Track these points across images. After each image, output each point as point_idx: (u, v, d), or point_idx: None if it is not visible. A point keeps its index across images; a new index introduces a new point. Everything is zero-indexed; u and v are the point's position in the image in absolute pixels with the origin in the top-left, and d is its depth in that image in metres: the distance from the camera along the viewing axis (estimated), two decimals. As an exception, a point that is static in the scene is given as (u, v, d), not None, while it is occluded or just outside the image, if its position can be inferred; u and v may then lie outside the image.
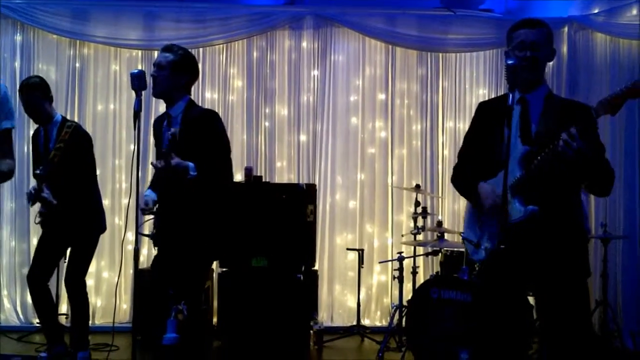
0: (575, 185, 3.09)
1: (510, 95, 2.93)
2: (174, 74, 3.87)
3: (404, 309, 5.53)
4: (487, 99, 6.56)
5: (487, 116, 3.28)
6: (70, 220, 4.74)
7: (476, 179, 3.19)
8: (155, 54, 5.38)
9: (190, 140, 3.77)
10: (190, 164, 3.68)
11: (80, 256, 4.87)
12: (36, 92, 4.82)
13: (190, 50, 4.13)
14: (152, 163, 3.77)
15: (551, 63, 6.09)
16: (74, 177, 4.75)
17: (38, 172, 4.71)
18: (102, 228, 5.06)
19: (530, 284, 3.19)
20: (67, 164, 4.70)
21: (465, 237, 3.35)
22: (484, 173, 3.16)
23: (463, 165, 3.40)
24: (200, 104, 6.00)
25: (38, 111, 4.86)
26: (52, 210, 4.63)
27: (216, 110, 6.06)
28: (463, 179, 3.38)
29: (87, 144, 4.97)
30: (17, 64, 6.52)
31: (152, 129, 4.20)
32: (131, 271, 6.07)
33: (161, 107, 4.08)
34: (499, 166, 2.95)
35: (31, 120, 5.21)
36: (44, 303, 4.81)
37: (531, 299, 3.80)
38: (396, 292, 5.81)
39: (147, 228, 4.91)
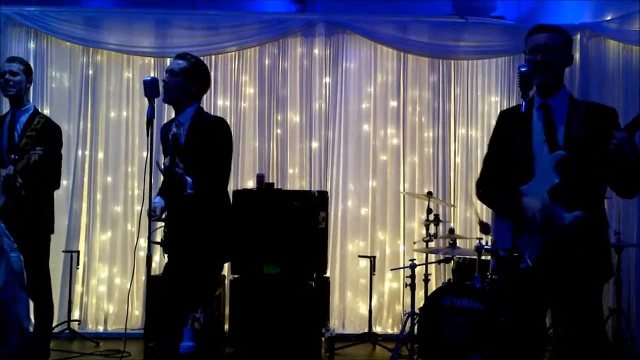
0: (602, 191, 3.11)
1: (524, 103, 2.93)
2: (185, 81, 3.89)
3: (416, 316, 5.51)
4: (499, 106, 6.66)
5: (508, 124, 3.25)
6: (25, 219, 4.53)
7: (515, 191, 3.06)
8: (168, 61, 5.42)
9: (197, 146, 3.80)
10: (189, 180, 3.68)
11: (34, 256, 4.62)
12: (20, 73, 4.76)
13: (202, 57, 4.15)
14: (156, 162, 3.77)
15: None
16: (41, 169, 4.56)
17: (13, 156, 4.49)
18: (52, 229, 4.91)
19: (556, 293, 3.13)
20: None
21: (505, 249, 3.23)
22: (515, 181, 3.08)
23: (491, 178, 3.31)
24: (212, 111, 6.07)
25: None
26: (17, 199, 4.45)
27: (228, 118, 6.12)
28: (498, 193, 3.22)
29: (59, 139, 4.90)
30: (30, 72, 6.55)
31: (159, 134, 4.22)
32: (143, 277, 6.08)
33: (174, 114, 4.09)
34: (529, 173, 2.99)
35: None
36: None
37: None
38: (408, 300, 5.79)
39: (159, 235, 4.92)
